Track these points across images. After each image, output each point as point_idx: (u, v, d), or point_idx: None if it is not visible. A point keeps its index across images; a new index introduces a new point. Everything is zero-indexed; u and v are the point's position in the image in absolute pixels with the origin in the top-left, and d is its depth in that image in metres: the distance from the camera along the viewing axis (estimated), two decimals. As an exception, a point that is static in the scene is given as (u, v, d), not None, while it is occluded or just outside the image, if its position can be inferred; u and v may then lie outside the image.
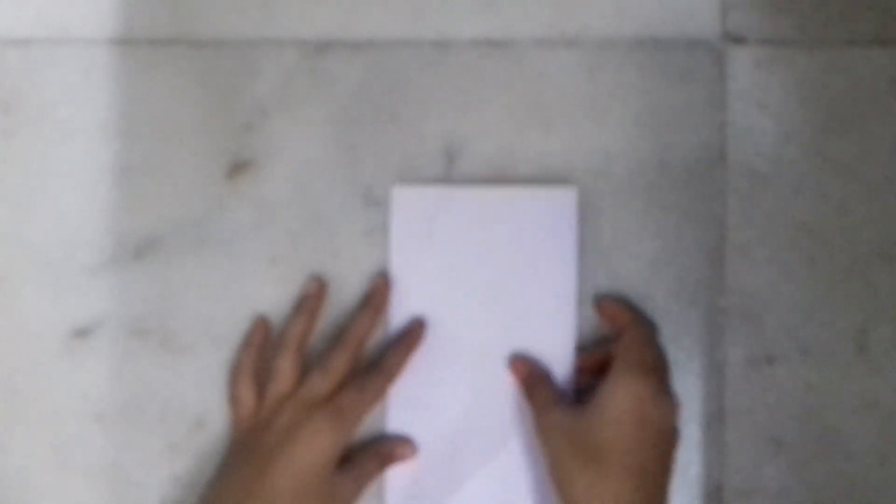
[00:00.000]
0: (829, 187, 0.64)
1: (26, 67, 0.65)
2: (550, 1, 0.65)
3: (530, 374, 0.61)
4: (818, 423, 0.63)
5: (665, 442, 0.57)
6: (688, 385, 0.63)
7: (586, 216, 0.64)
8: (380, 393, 0.61)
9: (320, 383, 0.60)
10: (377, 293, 0.63)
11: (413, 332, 0.62)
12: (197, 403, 0.64)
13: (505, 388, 0.62)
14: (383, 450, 0.62)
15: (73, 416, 0.64)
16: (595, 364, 0.62)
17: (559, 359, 0.62)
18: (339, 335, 0.62)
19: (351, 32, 0.65)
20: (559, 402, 0.59)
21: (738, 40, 0.65)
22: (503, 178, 0.64)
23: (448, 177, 0.64)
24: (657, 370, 0.58)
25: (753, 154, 0.64)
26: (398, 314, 0.63)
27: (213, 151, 0.65)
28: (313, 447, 0.58)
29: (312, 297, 0.63)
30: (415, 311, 0.63)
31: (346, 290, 0.64)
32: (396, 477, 0.62)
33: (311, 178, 0.64)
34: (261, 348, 0.63)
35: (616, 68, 0.65)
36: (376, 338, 0.63)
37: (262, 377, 0.62)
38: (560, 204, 0.63)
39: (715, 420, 0.63)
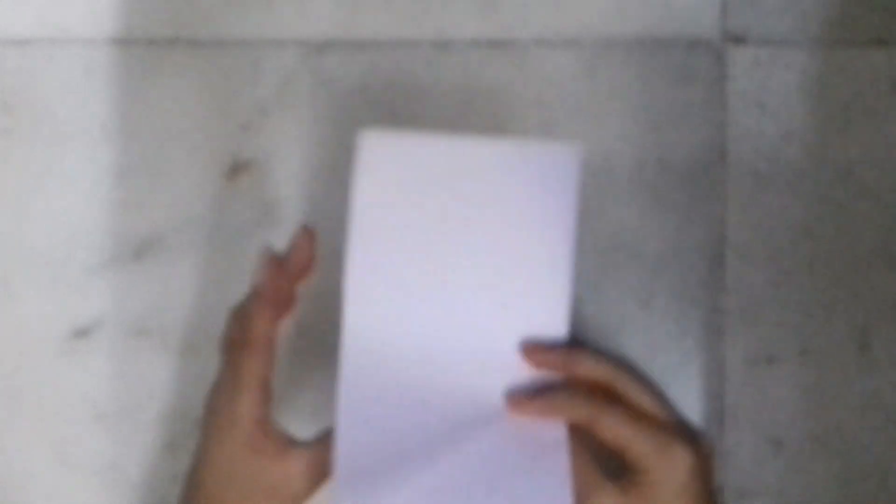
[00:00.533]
0: (829, 187, 0.64)
1: (26, 67, 0.65)
2: (550, 1, 0.65)
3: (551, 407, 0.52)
4: (818, 423, 0.63)
5: (709, 493, 0.52)
6: (688, 385, 0.63)
7: (586, 216, 0.64)
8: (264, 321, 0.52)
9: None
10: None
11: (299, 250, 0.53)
12: (197, 403, 0.64)
13: (477, 377, 0.52)
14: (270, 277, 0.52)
15: (73, 416, 0.64)
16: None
17: (550, 337, 0.53)
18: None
19: (351, 32, 0.65)
20: (602, 480, 0.51)
21: (738, 40, 0.65)
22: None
23: (448, 177, 0.64)
24: (676, 418, 0.52)
25: (753, 154, 0.64)
26: (360, 275, 0.53)
27: (213, 151, 0.65)
28: (225, 431, 0.52)
29: (299, 248, 0.54)
30: (378, 279, 0.53)
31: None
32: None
33: (311, 178, 0.64)
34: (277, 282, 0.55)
35: (616, 68, 0.65)
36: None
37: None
38: (560, 164, 0.53)
39: (715, 420, 0.63)
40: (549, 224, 0.53)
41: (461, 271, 0.53)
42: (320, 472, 0.50)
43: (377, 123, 0.64)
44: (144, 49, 0.65)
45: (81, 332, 0.64)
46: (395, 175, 0.53)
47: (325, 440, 0.51)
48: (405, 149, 0.53)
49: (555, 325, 0.53)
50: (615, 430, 0.51)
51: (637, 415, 0.51)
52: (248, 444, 0.50)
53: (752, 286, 0.64)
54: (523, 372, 0.53)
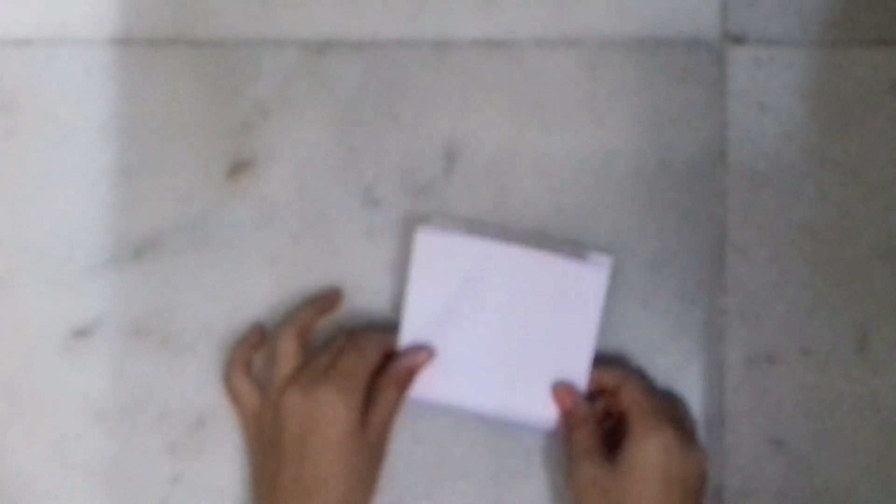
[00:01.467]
0: (829, 187, 0.64)
1: (26, 67, 0.65)
2: (550, 1, 0.65)
3: (574, 411, 0.61)
4: (818, 423, 0.63)
5: (692, 491, 0.58)
6: (688, 385, 0.63)
7: (586, 217, 0.64)
8: (380, 348, 0.61)
9: (322, 358, 0.60)
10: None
11: (409, 372, 0.62)
12: (197, 403, 0.64)
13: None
14: (397, 370, 0.60)
15: (73, 416, 0.64)
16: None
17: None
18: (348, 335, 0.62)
19: (351, 32, 0.65)
20: (595, 452, 0.59)
21: (738, 40, 0.65)
22: (503, 184, 0.64)
23: (448, 177, 0.64)
24: (674, 419, 0.59)
25: (753, 154, 0.64)
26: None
27: (213, 151, 0.65)
28: (335, 422, 0.57)
29: (327, 297, 0.63)
30: (442, 303, 0.62)
31: (346, 290, 0.64)
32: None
33: (311, 178, 0.65)
34: (254, 347, 0.62)
35: (616, 68, 0.65)
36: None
37: (257, 374, 0.62)
38: (591, 280, 0.61)
39: (715, 420, 0.63)
40: (573, 333, 0.62)
41: (493, 359, 0.62)
42: (384, 432, 0.60)
43: (377, 123, 0.64)
44: (144, 49, 0.65)
45: (81, 332, 0.64)
46: (445, 269, 0.62)
47: (380, 401, 0.60)
48: (457, 248, 0.62)
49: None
50: (627, 393, 0.60)
51: (651, 390, 0.61)
52: (349, 436, 0.58)
53: (752, 286, 0.64)
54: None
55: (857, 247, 0.64)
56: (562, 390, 0.61)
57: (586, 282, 0.61)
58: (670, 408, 0.60)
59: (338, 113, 0.65)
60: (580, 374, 0.61)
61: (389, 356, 0.61)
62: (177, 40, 0.65)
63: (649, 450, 0.57)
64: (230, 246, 0.64)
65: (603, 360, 0.62)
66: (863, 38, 0.65)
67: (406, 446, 0.63)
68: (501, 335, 0.62)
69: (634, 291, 0.64)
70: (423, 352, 0.61)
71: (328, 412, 0.57)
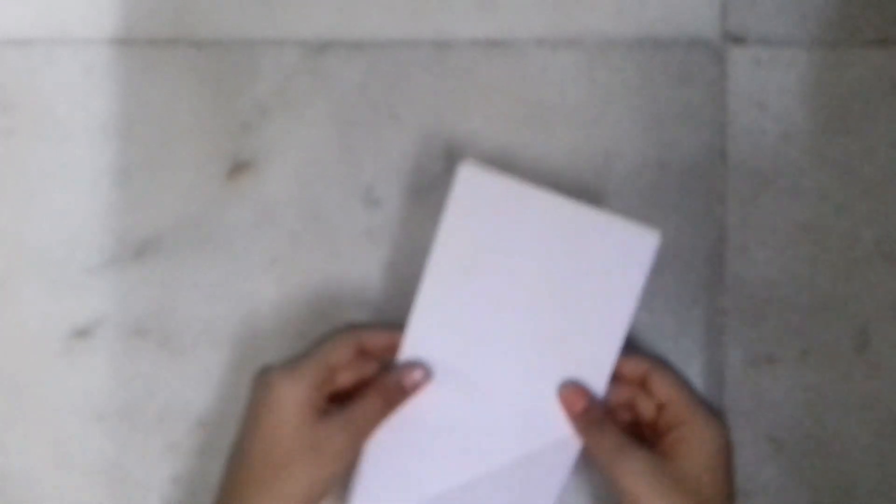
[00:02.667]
0: (829, 187, 0.64)
1: (26, 67, 0.65)
2: (550, 1, 0.65)
3: (589, 411, 0.58)
4: (818, 423, 0.63)
5: (731, 467, 0.58)
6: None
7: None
8: (347, 344, 0.58)
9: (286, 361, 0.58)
10: (398, 392, 0.58)
11: (400, 391, 0.58)
12: (197, 403, 0.64)
13: (533, 405, 0.58)
14: (386, 383, 0.57)
15: (73, 416, 0.64)
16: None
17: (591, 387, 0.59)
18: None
19: (351, 32, 0.65)
20: (633, 445, 0.56)
21: (738, 40, 0.65)
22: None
23: (448, 177, 0.64)
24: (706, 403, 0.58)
25: (753, 154, 0.64)
26: (431, 296, 0.58)
27: (213, 151, 0.65)
28: (276, 407, 0.55)
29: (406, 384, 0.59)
30: (449, 301, 0.58)
31: (346, 290, 0.64)
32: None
33: (311, 178, 0.65)
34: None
35: (616, 68, 0.65)
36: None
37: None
38: (640, 246, 0.58)
39: (715, 420, 0.63)
40: (613, 297, 0.58)
41: (522, 316, 0.58)
42: (356, 430, 0.56)
43: (377, 123, 0.64)
44: (144, 49, 0.65)
45: (81, 332, 0.64)
46: (485, 212, 0.58)
47: (359, 403, 0.57)
48: (499, 190, 0.58)
49: (596, 383, 0.59)
50: (666, 382, 0.57)
51: (684, 378, 0.58)
52: (295, 412, 0.55)
53: (752, 286, 0.64)
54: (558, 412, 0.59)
55: (857, 247, 0.64)
56: (570, 391, 0.58)
57: (634, 247, 0.58)
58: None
59: (338, 113, 0.65)
60: (610, 352, 0.58)
61: (389, 359, 0.60)
62: (177, 40, 0.65)
63: (709, 441, 0.56)
64: (230, 246, 0.64)
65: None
66: (863, 38, 0.65)
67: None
68: (528, 309, 0.58)
69: (634, 291, 0.64)
70: (419, 370, 0.58)
71: (273, 396, 0.56)
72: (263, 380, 0.57)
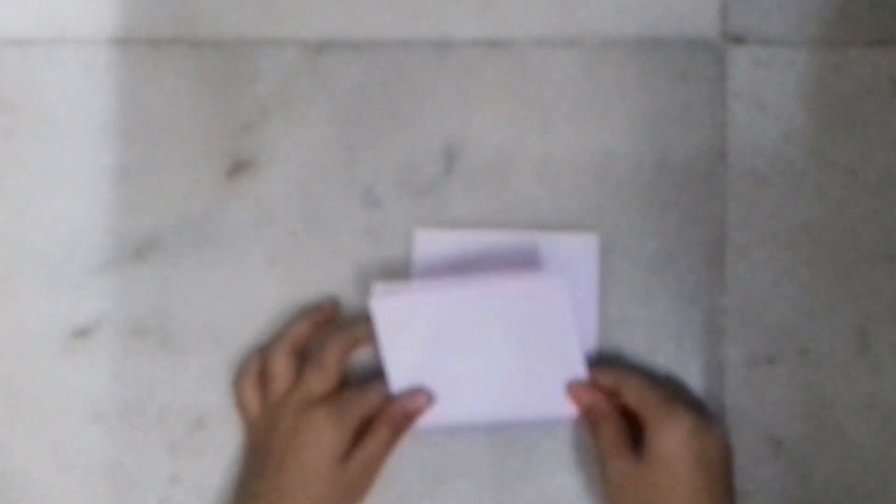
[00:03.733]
0: (829, 187, 0.64)
1: (26, 67, 0.65)
2: (550, 1, 0.65)
3: (594, 407, 0.61)
4: (818, 423, 0.63)
5: (720, 469, 0.58)
6: (688, 385, 0.63)
7: (586, 217, 0.64)
8: (382, 392, 0.61)
9: (316, 380, 0.60)
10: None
11: (406, 418, 0.62)
12: (197, 403, 0.64)
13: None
14: (392, 413, 0.61)
15: (73, 416, 0.64)
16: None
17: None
18: (335, 330, 0.62)
19: (351, 32, 0.65)
20: (622, 447, 0.59)
21: (738, 40, 0.65)
22: (503, 184, 0.64)
23: (448, 177, 0.64)
24: (684, 402, 0.59)
25: (753, 154, 0.64)
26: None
27: (213, 151, 0.65)
28: (317, 446, 0.58)
29: (323, 313, 0.63)
30: (419, 352, 0.62)
31: (346, 289, 0.64)
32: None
33: (311, 178, 0.65)
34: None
35: (616, 68, 0.65)
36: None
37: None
38: (582, 250, 0.63)
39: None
40: (576, 306, 0.61)
41: (493, 371, 0.62)
42: (375, 464, 0.60)
43: (377, 123, 0.64)
44: (144, 49, 0.65)
45: (81, 332, 0.64)
46: (445, 266, 0.63)
47: (372, 438, 0.60)
48: (452, 244, 0.63)
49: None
50: (635, 390, 0.60)
51: (652, 382, 0.60)
52: (335, 455, 0.59)
53: (752, 286, 0.64)
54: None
55: (857, 247, 0.64)
56: (579, 388, 0.61)
57: (579, 255, 0.63)
58: (674, 393, 0.60)
59: (338, 113, 0.65)
60: (582, 350, 0.61)
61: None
62: (177, 40, 0.65)
63: (671, 438, 0.57)
64: (230, 246, 0.64)
65: (599, 361, 0.62)
66: (863, 38, 0.65)
67: (406, 446, 0.62)
68: (493, 357, 0.61)
69: (634, 291, 0.64)
70: (422, 396, 0.61)
71: (315, 436, 0.58)
72: (308, 416, 0.59)
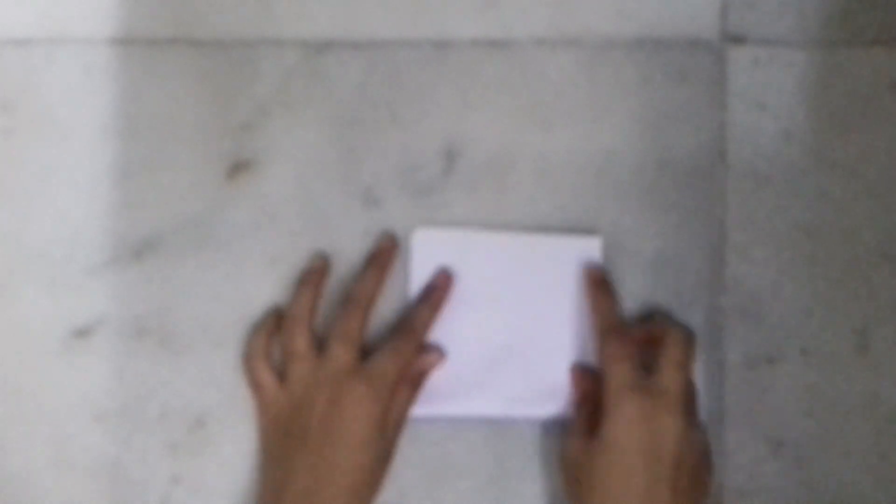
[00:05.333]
0: (829, 187, 0.64)
1: (26, 67, 0.65)
2: (550, 1, 0.65)
3: (585, 395, 0.62)
4: (818, 423, 0.63)
5: (684, 468, 0.57)
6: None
7: (586, 217, 0.64)
8: (411, 353, 0.61)
9: (342, 351, 0.60)
10: (382, 253, 0.63)
11: (439, 288, 0.63)
12: (197, 403, 0.64)
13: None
14: (410, 374, 0.61)
15: (73, 416, 0.64)
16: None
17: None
18: (345, 300, 0.62)
19: (351, 32, 0.65)
20: (584, 430, 0.60)
21: (738, 40, 0.65)
22: (503, 184, 0.64)
23: (448, 177, 0.64)
24: (657, 392, 0.58)
25: (753, 154, 0.64)
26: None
27: (213, 151, 0.65)
28: (360, 417, 0.59)
29: (316, 272, 0.63)
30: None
31: (346, 290, 0.64)
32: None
33: (311, 178, 0.64)
34: (272, 334, 0.63)
35: (616, 68, 0.65)
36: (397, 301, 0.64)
37: (274, 361, 0.62)
38: (584, 253, 0.63)
39: (715, 420, 0.63)
40: (578, 310, 0.63)
41: (497, 355, 0.63)
42: (401, 427, 0.62)
43: (377, 123, 0.64)
44: (144, 49, 0.65)
45: (81, 332, 0.64)
46: (446, 262, 0.63)
47: (396, 401, 0.61)
48: (451, 245, 0.63)
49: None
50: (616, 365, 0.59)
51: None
52: (371, 428, 0.59)
53: (752, 286, 0.64)
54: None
55: (857, 247, 0.64)
56: (580, 373, 0.62)
57: (582, 256, 0.63)
58: (668, 385, 0.59)
59: (338, 113, 0.65)
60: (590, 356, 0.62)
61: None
62: (177, 40, 0.65)
63: (619, 420, 0.57)
64: (230, 246, 0.64)
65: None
66: (863, 38, 0.65)
67: (406, 446, 0.62)
68: (501, 325, 0.63)
69: (634, 291, 0.64)
70: (435, 352, 0.62)
71: (356, 408, 0.59)
72: (346, 389, 0.59)
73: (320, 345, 0.61)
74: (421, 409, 0.62)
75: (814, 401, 0.63)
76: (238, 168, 0.65)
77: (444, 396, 0.62)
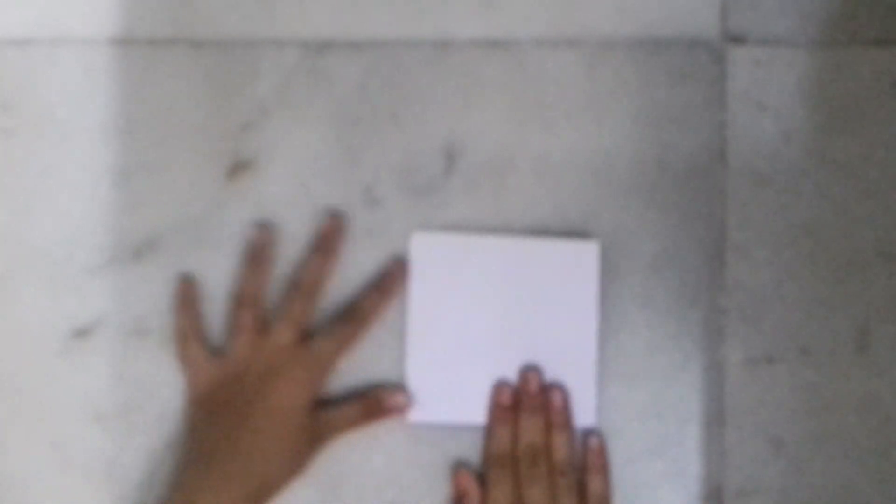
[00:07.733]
0: (829, 187, 0.64)
1: (26, 67, 0.65)
2: (550, 1, 0.65)
3: (460, 494, 0.62)
4: (818, 423, 0.63)
5: None
6: (688, 385, 0.63)
7: (586, 217, 0.64)
8: (352, 339, 0.62)
9: (284, 331, 0.61)
10: (327, 235, 0.63)
11: (390, 277, 0.63)
12: (197, 403, 0.64)
13: None
14: (370, 398, 0.62)
15: (73, 416, 0.64)
16: None
17: (578, 416, 0.62)
18: (290, 284, 0.62)
19: (351, 32, 0.65)
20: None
21: (738, 40, 0.65)
22: (503, 184, 0.64)
23: (448, 177, 0.64)
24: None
25: (753, 154, 0.64)
26: (416, 360, 0.63)
27: (213, 151, 0.65)
28: (290, 392, 0.59)
29: (261, 246, 0.63)
30: (432, 358, 0.63)
31: (346, 289, 0.64)
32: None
33: (311, 178, 0.65)
34: (197, 307, 0.63)
35: (616, 68, 0.65)
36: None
37: (204, 334, 0.63)
38: (581, 258, 0.63)
39: (715, 420, 0.63)
40: (574, 314, 0.63)
41: (498, 359, 0.63)
42: (334, 430, 0.62)
43: (377, 123, 0.64)
44: (144, 49, 0.65)
45: (81, 332, 0.64)
46: (443, 270, 0.63)
47: (342, 409, 0.62)
48: (450, 250, 0.63)
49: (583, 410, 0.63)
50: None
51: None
52: (302, 407, 0.60)
53: (752, 286, 0.64)
54: None
55: (857, 247, 0.64)
56: (461, 473, 0.62)
57: (580, 262, 0.63)
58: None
59: (338, 113, 0.65)
60: (588, 358, 0.62)
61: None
62: (177, 40, 0.65)
63: None
64: (230, 246, 0.64)
65: (600, 363, 0.62)
66: (863, 38, 0.65)
67: (406, 446, 0.63)
68: (498, 329, 0.63)
69: (634, 291, 0.64)
70: (401, 396, 0.62)
71: (288, 386, 0.60)
72: (280, 363, 0.60)
73: (265, 327, 0.61)
74: (418, 415, 0.62)
75: (814, 400, 0.63)
76: (238, 168, 0.65)
77: (440, 402, 0.62)
